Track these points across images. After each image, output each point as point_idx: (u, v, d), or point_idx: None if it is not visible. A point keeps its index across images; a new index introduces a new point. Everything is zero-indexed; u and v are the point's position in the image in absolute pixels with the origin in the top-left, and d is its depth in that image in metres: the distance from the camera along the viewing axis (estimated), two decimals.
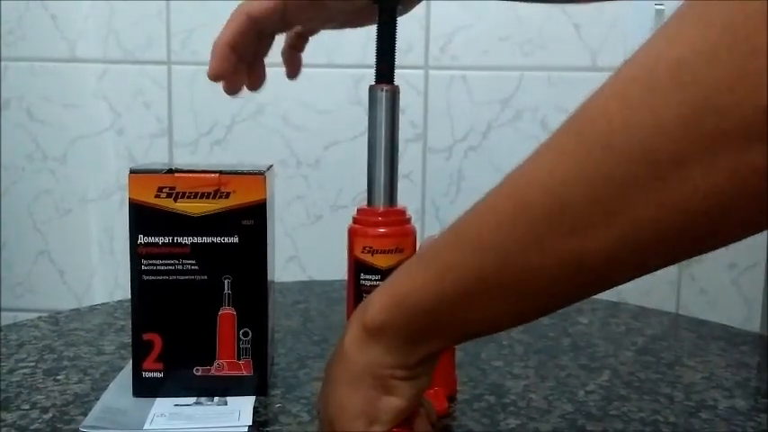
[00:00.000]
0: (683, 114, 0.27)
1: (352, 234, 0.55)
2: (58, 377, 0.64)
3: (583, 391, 0.63)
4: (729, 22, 0.26)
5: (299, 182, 1.16)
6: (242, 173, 0.57)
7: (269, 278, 0.60)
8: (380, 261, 0.54)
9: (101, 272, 1.20)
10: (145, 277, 0.57)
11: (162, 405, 0.57)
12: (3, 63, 1.16)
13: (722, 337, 0.79)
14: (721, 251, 0.31)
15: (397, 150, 0.55)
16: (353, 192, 1.14)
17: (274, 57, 0.61)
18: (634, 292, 0.99)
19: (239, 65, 0.57)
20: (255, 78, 0.60)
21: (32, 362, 0.67)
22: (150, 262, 0.57)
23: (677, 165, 0.28)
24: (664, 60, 0.28)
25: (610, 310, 0.88)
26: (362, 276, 0.55)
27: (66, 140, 1.17)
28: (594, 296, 0.36)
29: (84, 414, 0.56)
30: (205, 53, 0.56)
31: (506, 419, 0.57)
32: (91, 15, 1.15)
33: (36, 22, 1.15)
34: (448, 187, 1.15)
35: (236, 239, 0.57)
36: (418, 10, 0.61)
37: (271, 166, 0.62)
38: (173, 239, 0.57)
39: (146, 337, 0.58)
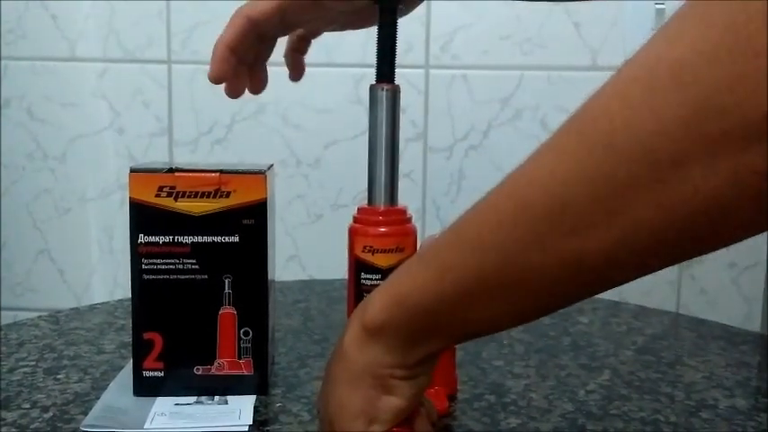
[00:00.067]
0: (684, 114, 0.27)
1: (353, 233, 0.55)
2: (59, 376, 0.64)
3: (583, 390, 0.63)
4: (731, 22, 0.26)
5: (300, 181, 1.16)
6: (242, 172, 0.57)
7: (269, 277, 0.60)
8: (381, 260, 0.54)
9: (100, 271, 1.20)
10: (145, 276, 0.57)
11: (162, 404, 0.57)
12: (3, 62, 1.16)
13: (722, 336, 0.79)
14: (721, 251, 0.31)
15: (398, 150, 0.55)
16: (354, 191, 1.14)
17: (274, 56, 0.61)
18: (634, 291, 0.99)
19: (240, 67, 0.57)
20: (257, 82, 0.60)
21: (33, 361, 0.67)
22: (151, 261, 0.57)
23: (677, 165, 0.28)
24: (664, 60, 0.28)
25: (610, 310, 0.88)
26: (363, 276, 0.55)
27: (66, 139, 1.17)
28: (595, 296, 0.36)
29: (85, 413, 0.56)
30: (205, 52, 0.56)
31: (507, 419, 0.57)
32: (91, 15, 1.15)
33: (36, 22, 1.15)
34: (448, 186, 1.15)
35: (236, 239, 0.57)
36: (419, 9, 0.61)
37: (271, 165, 0.62)
38: (173, 239, 0.57)
39: (146, 336, 0.58)
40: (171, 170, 0.57)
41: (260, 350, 0.59)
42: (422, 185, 1.15)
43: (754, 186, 0.27)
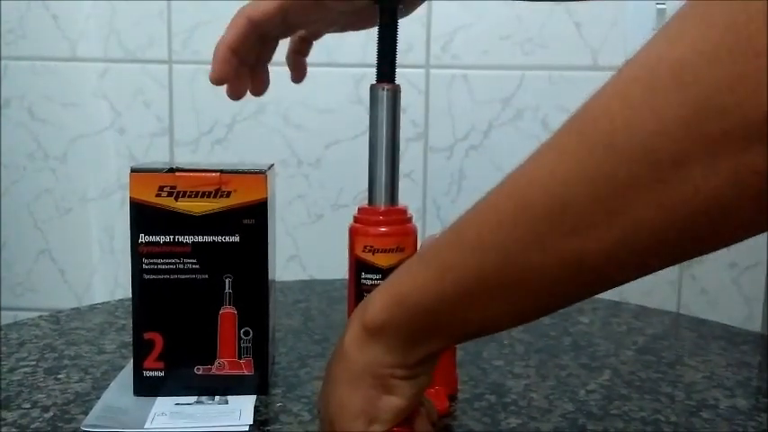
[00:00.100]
0: (684, 114, 0.27)
1: (353, 233, 0.55)
2: (59, 376, 0.64)
3: (584, 390, 0.63)
4: (731, 22, 0.26)
5: (300, 181, 1.16)
6: (243, 172, 0.57)
7: (270, 277, 0.60)
8: (381, 260, 0.54)
9: (101, 271, 1.20)
10: (146, 276, 0.57)
11: (163, 404, 0.57)
12: (3, 62, 1.16)
13: (723, 336, 0.79)
14: (722, 251, 0.31)
15: (399, 149, 0.55)
16: (354, 191, 1.14)
17: (274, 56, 0.61)
18: (635, 291, 0.99)
19: (241, 69, 0.57)
20: (259, 83, 0.60)
21: (33, 361, 0.67)
22: (151, 261, 0.57)
23: (678, 165, 0.28)
24: (665, 60, 0.28)
25: (611, 310, 0.88)
26: (363, 275, 0.55)
27: (67, 139, 1.17)
28: (595, 296, 0.36)
29: (85, 413, 0.56)
30: (206, 52, 0.56)
31: (507, 419, 0.57)
32: (92, 15, 1.15)
33: (37, 22, 1.15)
34: (449, 186, 1.15)
35: (236, 238, 0.57)
36: (419, 10, 0.61)
37: (272, 165, 0.62)
38: (174, 238, 0.57)
39: (147, 336, 0.58)
40: (171, 170, 0.57)
41: (260, 350, 0.59)
42: (422, 185, 1.15)
43: (755, 186, 0.27)
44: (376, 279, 0.54)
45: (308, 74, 0.64)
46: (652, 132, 0.28)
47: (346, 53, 1.11)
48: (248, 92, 0.60)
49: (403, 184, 0.57)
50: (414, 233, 0.56)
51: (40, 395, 0.60)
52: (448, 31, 1.12)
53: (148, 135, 1.17)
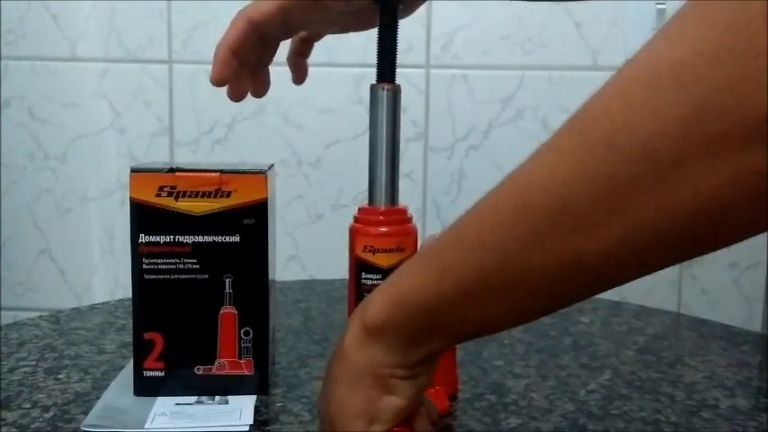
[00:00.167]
0: (684, 115, 0.27)
1: (354, 233, 0.55)
2: (59, 376, 0.64)
3: (584, 390, 0.63)
4: (731, 22, 0.26)
5: (300, 181, 1.16)
6: (243, 172, 0.57)
7: (270, 277, 0.60)
8: (381, 260, 0.54)
9: (101, 271, 1.20)
10: (146, 276, 0.57)
11: (163, 404, 0.57)
12: (3, 62, 1.16)
13: (723, 336, 0.79)
14: (722, 251, 0.31)
15: (399, 149, 0.55)
16: (354, 191, 1.14)
17: (275, 56, 0.61)
18: (635, 291, 0.99)
19: (242, 70, 0.57)
20: (260, 84, 0.60)
21: (33, 361, 0.67)
22: (151, 261, 0.57)
23: (678, 165, 0.28)
24: (665, 60, 0.28)
25: (611, 310, 0.88)
26: (363, 275, 0.55)
27: (67, 139, 1.17)
28: (595, 296, 0.36)
29: (85, 413, 0.56)
30: (206, 52, 0.56)
31: (507, 419, 0.57)
32: (92, 15, 1.15)
33: (37, 22, 1.15)
34: (449, 186, 1.15)
35: (237, 238, 0.57)
36: (419, 10, 0.61)
37: (272, 165, 0.62)
38: (174, 238, 0.57)
39: (147, 336, 0.58)
40: (172, 170, 0.57)
41: (260, 350, 0.59)
42: (422, 185, 1.15)
43: (755, 186, 0.27)
44: (376, 279, 0.54)
45: (308, 74, 0.64)
46: (652, 132, 0.28)
47: (346, 53, 1.11)
48: (249, 93, 0.60)
49: (403, 184, 0.57)
50: (414, 233, 0.56)
51: (40, 395, 0.60)
52: (448, 31, 1.12)
53: (148, 135, 1.17)
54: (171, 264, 0.57)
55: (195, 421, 0.55)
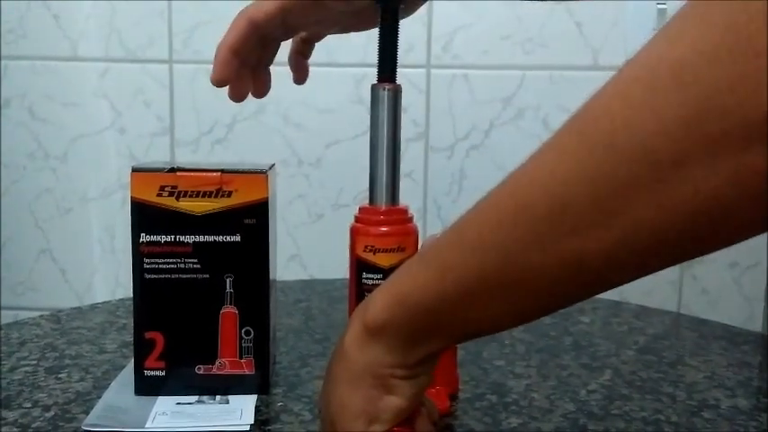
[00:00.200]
0: (685, 115, 0.27)
1: (354, 233, 0.55)
2: (60, 375, 0.64)
3: (584, 390, 0.63)
4: (731, 22, 0.26)
5: (301, 181, 1.16)
6: (244, 172, 0.57)
7: (271, 277, 0.60)
8: (382, 260, 0.54)
9: (102, 270, 1.20)
10: (147, 276, 0.58)
11: (164, 403, 0.57)
12: (4, 62, 1.16)
13: (724, 336, 0.79)
14: (723, 250, 0.31)
15: (399, 149, 0.55)
16: (355, 191, 1.14)
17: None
18: (636, 291, 0.99)
19: (243, 70, 0.57)
20: (261, 85, 0.60)
21: (34, 360, 0.67)
22: (152, 261, 0.57)
23: (678, 165, 0.28)
24: (665, 60, 0.28)
25: (611, 310, 0.88)
26: (364, 275, 0.55)
27: (68, 139, 1.17)
28: (596, 296, 0.36)
29: (86, 412, 0.56)
30: (207, 52, 0.56)
31: (508, 419, 0.57)
32: (93, 15, 1.15)
33: (38, 22, 1.15)
34: (450, 186, 1.15)
35: (238, 238, 0.57)
36: (420, 10, 0.61)
37: (272, 165, 0.62)
38: (175, 238, 0.57)
39: (148, 335, 0.58)
40: (172, 170, 0.57)
41: (261, 349, 0.59)
42: (423, 185, 1.15)
43: (755, 186, 0.27)
44: (377, 279, 0.54)
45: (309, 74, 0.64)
46: (652, 132, 0.28)
47: (347, 53, 1.11)
48: (250, 93, 0.60)
49: (404, 184, 0.57)
50: (415, 233, 0.56)
51: (40, 394, 0.60)
52: (448, 30, 1.12)
53: (149, 135, 1.17)
54: (172, 263, 0.57)
55: (196, 421, 0.55)
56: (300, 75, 0.63)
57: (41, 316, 0.81)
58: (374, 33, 0.55)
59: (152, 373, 0.59)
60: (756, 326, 1.09)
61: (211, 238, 0.57)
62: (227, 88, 0.58)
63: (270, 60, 0.60)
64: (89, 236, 1.19)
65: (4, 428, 0.53)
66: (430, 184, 1.15)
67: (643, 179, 0.29)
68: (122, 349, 0.71)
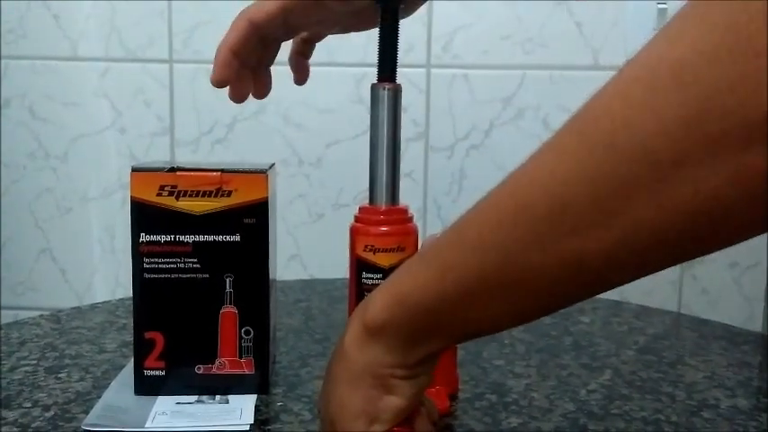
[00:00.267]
0: (685, 115, 0.27)
1: (354, 233, 0.55)
2: (60, 375, 0.64)
3: (584, 390, 0.63)
4: (731, 22, 0.26)
5: (301, 180, 1.16)
6: (244, 171, 0.57)
7: (271, 276, 0.60)
8: (382, 260, 0.54)
9: (102, 270, 1.20)
10: (147, 275, 0.58)
11: (163, 403, 0.57)
12: (4, 62, 1.16)
13: (724, 336, 0.79)
14: (723, 250, 0.31)
15: (399, 149, 0.55)
16: (355, 190, 1.14)
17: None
18: (636, 291, 0.99)
19: (243, 71, 0.57)
20: (261, 86, 0.60)
21: (34, 360, 0.67)
22: (152, 260, 0.57)
23: (678, 165, 0.28)
24: (665, 60, 0.28)
25: (611, 310, 0.88)
26: (364, 275, 0.55)
27: (68, 139, 1.17)
28: (596, 295, 0.36)
29: (86, 412, 0.56)
30: (207, 52, 0.56)
31: (508, 418, 0.57)
32: (93, 15, 1.15)
33: (38, 21, 1.15)
34: (450, 186, 1.15)
35: (237, 238, 0.57)
36: (420, 9, 0.61)
37: (272, 164, 0.62)
38: (174, 238, 0.57)
39: (147, 335, 0.58)
40: (172, 169, 0.57)
41: (261, 349, 0.59)
42: (423, 185, 1.15)
43: (755, 187, 0.27)
44: (377, 278, 0.54)
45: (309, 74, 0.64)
46: (652, 132, 0.28)
47: (347, 53, 1.11)
48: (250, 94, 0.60)
49: (404, 184, 0.57)
50: (414, 233, 0.56)
51: (40, 394, 0.60)
52: (448, 30, 1.12)
53: (149, 134, 1.17)
54: (171, 263, 0.57)
55: (196, 420, 0.55)
56: (301, 75, 0.63)
57: (41, 316, 0.81)
58: (374, 33, 0.55)
59: (152, 372, 0.59)
60: (756, 326, 1.09)
61: (211, 238, 0.57)
62: (227, 88, 0.58)
63: (270, 61, 0.60)
64: (89, 236, 1.19)
65: (4, 428, 0.53)
66: (430, 183, 1.15)
67: (643, 179, 0.29)
68: (122, 349, 0.71)
